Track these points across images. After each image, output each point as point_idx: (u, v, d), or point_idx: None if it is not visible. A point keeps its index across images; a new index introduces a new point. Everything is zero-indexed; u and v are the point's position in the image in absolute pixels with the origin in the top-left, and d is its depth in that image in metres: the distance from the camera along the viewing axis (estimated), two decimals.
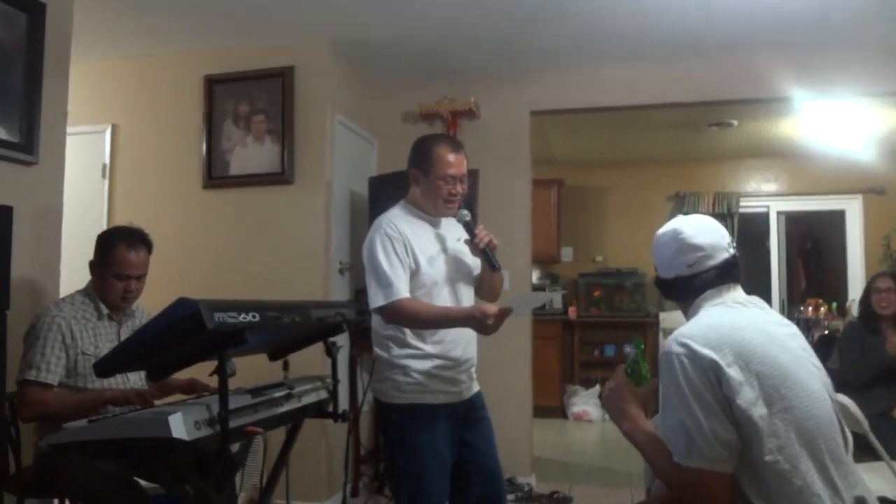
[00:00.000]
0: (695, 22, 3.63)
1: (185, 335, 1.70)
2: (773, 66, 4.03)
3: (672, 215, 7.27)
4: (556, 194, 7.09)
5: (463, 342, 2.36)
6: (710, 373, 1.46)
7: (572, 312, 7.02)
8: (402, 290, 2.21)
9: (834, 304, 5.99)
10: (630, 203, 7.33)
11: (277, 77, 3.86)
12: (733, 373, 1.45)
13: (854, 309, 5.81)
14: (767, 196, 7.16)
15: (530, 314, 4.46)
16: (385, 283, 2.21)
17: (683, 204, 7.10)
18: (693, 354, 1.48)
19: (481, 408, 2.47)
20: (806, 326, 5.51)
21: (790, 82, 4.03)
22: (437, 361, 2.30)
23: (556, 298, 6.99)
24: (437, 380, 2.30)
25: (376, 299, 2.23)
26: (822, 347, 4.25)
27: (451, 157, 2.33)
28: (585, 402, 6.63)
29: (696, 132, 6.10)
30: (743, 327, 1.54)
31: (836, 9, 3.45)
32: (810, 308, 5.90)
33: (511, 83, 4.42)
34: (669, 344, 1.53)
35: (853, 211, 6.99)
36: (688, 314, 1.69)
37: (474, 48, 4.03)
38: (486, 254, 2.34)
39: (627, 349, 1.75)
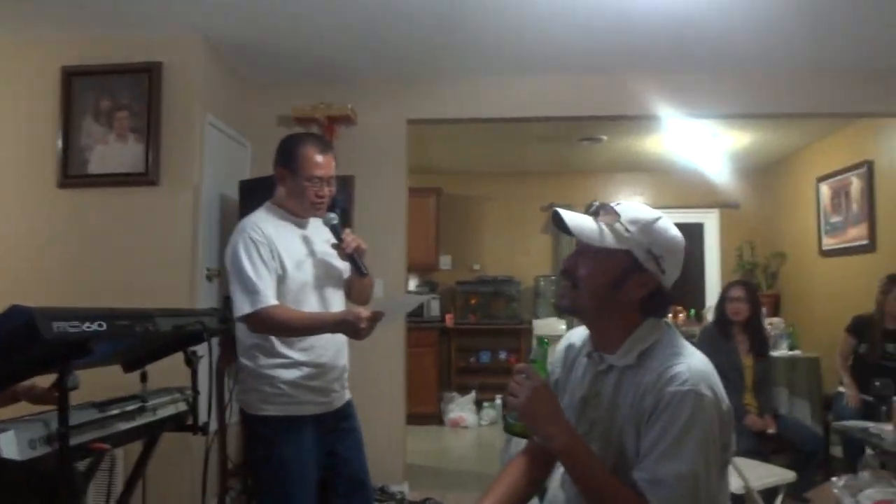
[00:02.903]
0: (567, 41, 3.77)
1: (20, 346, 1.56)
2: (640, 85, 4.25)
3: (546, 226, 7.62)
4: (435, 203, 7.17)
5: (333, 348, 2.32)
6: (727, 428, 1.33)
7: (449, 320, 7.10)
8: (270, 297, 2.15)
9: (692, 311, 6.37)
10: (506, 213, 7.52)
11: (143, 73, 3.67)
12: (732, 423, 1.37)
13: (710, 315, 6.22)
14: None
15: (405, 320, 4.46)
16: (251, 290, 2.13)
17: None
18: (718, 404, 1.31)
19: (351, 417, 2.44)
20: None
21: (655, 101, 4.26)
22: (307, 370, 2.25)
23: (433, 305, 7.05)
24: (305, 390, 2.25)
25: (242, 307, 2.15)
26: None
27: (319, 157, 2.29)
28: (462, 409, 6.71)
29: (568, 146, 6.33)
30: None
31: (697, 35, 3.68)
32: (670, 315, 6.24)
33: (389, 91, 4.42)
34: (696, 382, 1.29)
35: (711, 224, 7.49)
36: (643, 336, 1.41)
37: (351, 54, 4.00)
38: (353, 259, 2.31)
39: (533, 348, 1.49)
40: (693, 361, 1.35)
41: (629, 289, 1.40)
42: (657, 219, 1.42)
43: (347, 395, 2.45)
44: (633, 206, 1.45)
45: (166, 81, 3.67)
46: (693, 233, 7.50)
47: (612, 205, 1.45)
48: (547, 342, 1.51)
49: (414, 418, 5.52)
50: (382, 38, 3.77)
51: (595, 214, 1.45)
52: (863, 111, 4.54)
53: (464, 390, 6.94)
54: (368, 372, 4.07)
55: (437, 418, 6.75)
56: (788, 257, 6.77)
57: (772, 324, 5.48)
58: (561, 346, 1.65)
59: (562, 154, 6.66)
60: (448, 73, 4.31)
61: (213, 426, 3.11)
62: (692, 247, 7.25)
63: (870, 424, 3.33)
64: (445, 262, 7.45)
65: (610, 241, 1.39)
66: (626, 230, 1.39)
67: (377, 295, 3.71)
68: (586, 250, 1.43)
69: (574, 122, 4.96)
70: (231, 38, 3.78)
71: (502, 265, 7.39)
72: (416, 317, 6.68)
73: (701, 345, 3.97)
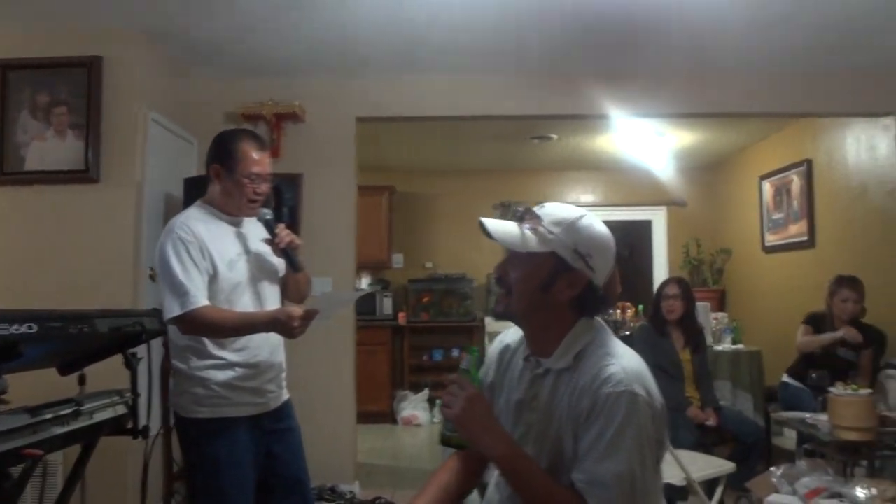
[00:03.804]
0: (517, 41, 3.79)
1: None
2: (588, 85, 4.29)
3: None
4: (388, 201, 7.15)
5: (268, 348, 2.29)
6: (661, 425, 1.36)
7: (402, 318, 7.08)
8: (200, 298, 2.10)
9: (641, 307, 6.47)
10: (459, 211, 7.51)
11: (83, 67, 3.57)
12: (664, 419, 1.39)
13: None
14: (586, 206, 7.56)
15: (353, 316, 4.42)
16: (181, 292, 2.09)
17: (508, 212, 7.40)
18: (652, 403, 1.33)
19: (289, 417, 2.41)
20: (615, 327, 5.90)
21: (603, 101, 4.31)
22: (241, 371, 2.21)
23: (386, 303, 7.03)
24: (240, 391, 2.21)
25: (172, 309, 2.10)
26: None
27: (257, 154, 2.25)
28: (414, 407, 6.71)
29: (519, 144, 6.37)
30: None
31: (643, 36, 3.74)
32: (619, 311, 6.34)
33: (337, 88, 4.38)
34: (630, 382, 1.31)
35: (659, 221, 7.62)
36: (578, 338, 1.44)
37: (299, 51, 3.95)
38: (287, 254, 2.28)
39: (462, 357, 1.55)
40: (626, 361, 1.37)
41: (559, 290, 1.41)
42: (580, 217, 1.44)
43: (285, 396, 2.41)
44: (556, 207, 1.47)
45: (107, 76, 3.57)
46: (641, 230, 7.63)
47: (535, 208, 1.46)
48: (476, 350, 1.54)
49: (366, 417, 5.51)
50: (330, 34, 3.73)
51: (520, 220, 1.46)
52: (802, 111, 4.68)
53: (417, 388, 6.94)
54: (318, 370, 4.05)
55: (389, 417, 6.73)
56: (733, 253, 6.93)
57: (717, 319, 5.61)
58: (495, 347, 1.65)
59: (513, 152, 6.70)
60: (398, 71, 4.28)
61: (157, 429, 3.06)
62: (642, 243, 7.49)
63: (807, 415, 3.44)
64: (398, 260, 7.43)
65: (533, 244, 1.41)
66: (550, 232, 1.41)
67: (321, 293, 3.68)
68: (514, 256, 1.45)
69: (525, 121, 4.99)
70: (174, 34, 3.70)
71: (455, 263, 7.39)
72: (368, 315, 6.66)
73: (637, 343, 4.06)
